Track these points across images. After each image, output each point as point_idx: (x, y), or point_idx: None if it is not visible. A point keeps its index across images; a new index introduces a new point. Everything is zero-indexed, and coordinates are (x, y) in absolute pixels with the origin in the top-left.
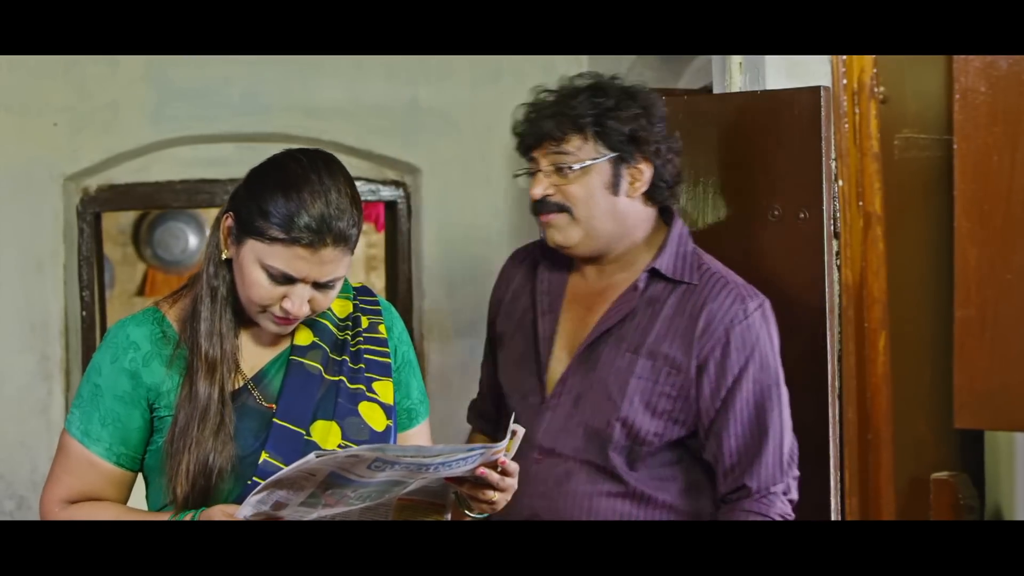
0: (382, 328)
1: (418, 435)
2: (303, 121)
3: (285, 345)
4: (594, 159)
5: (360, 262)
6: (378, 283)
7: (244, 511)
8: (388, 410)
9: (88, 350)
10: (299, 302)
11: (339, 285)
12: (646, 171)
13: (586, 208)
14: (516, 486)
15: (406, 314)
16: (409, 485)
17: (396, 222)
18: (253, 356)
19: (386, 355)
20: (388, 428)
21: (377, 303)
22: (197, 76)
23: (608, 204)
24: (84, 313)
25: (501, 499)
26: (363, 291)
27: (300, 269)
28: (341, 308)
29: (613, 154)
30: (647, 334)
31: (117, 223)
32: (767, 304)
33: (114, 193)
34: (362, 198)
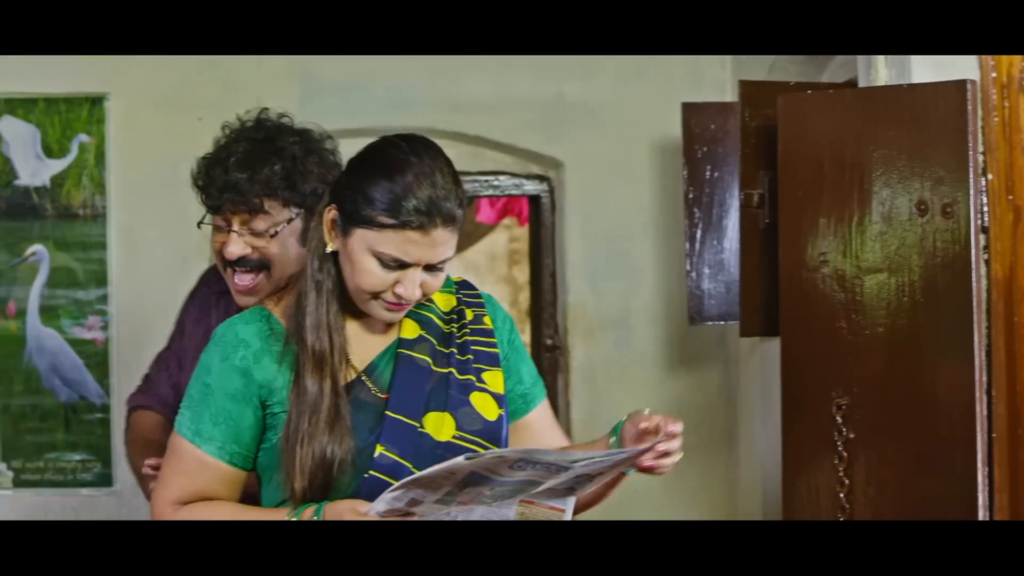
0: (487, 320)
1: (539, 417)
2: (447, 116)
3: (392, 338)
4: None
5: (503, 256)
6: (521, 277)
7: (378, 507)
8: (499, 399)
9: None
10: (412, 286)
11: (448, 267)
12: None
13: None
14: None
15: (550, 308)
16: (540, 486)
17: (540, 216)
18: (362, 350)
19: (493, 345)
20: (500, 417)
21: (479, 295)
22: (341, 71)
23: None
24: None
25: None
26: (464, 285)
27: (412, 253)
28: (445, 302)
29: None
30: None
31: None
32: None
33: None
34: (506, 192)
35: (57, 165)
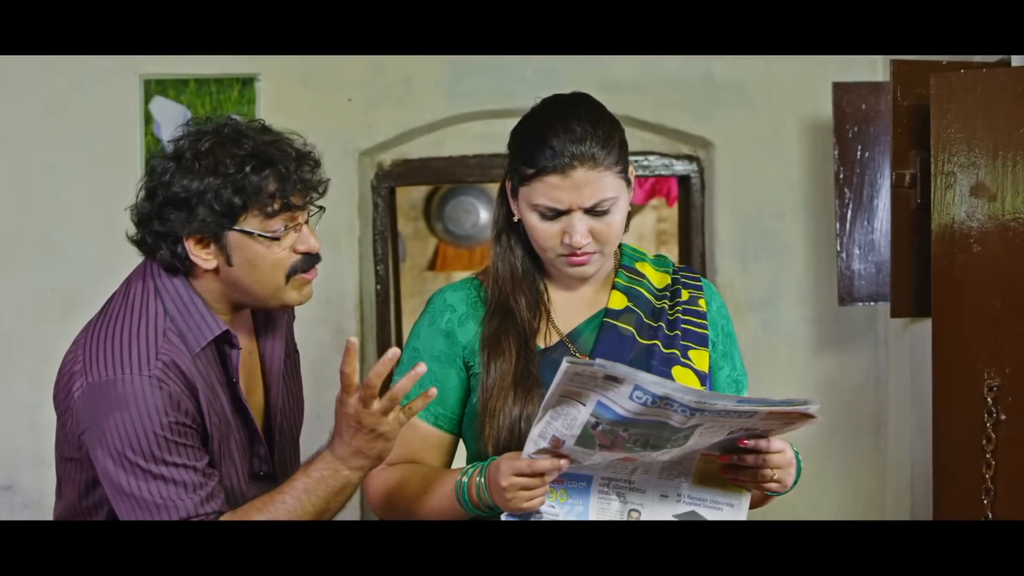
0: (702, 302)
1: None
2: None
3: (599, 307)
4: None
5: (651, 237)
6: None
7: (528, 448)
8: (702, 377)
9: (382, 324)
10: (575, 233)
11: (617, 212)
12: None
13: None
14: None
15: None
16: (682, 434)
17: (689, 196)
18: (568, 316)
19: (703, 327)
20: None
21: (698, 279)
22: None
23: None
24: (379, 287)
25: (781, 475)
26: (685, 268)
27: (559, 198)
28: (659, 279)
29: None
30: None
31: (408, 198)
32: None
33: (408, 168)
34: (655, 173)
35: None
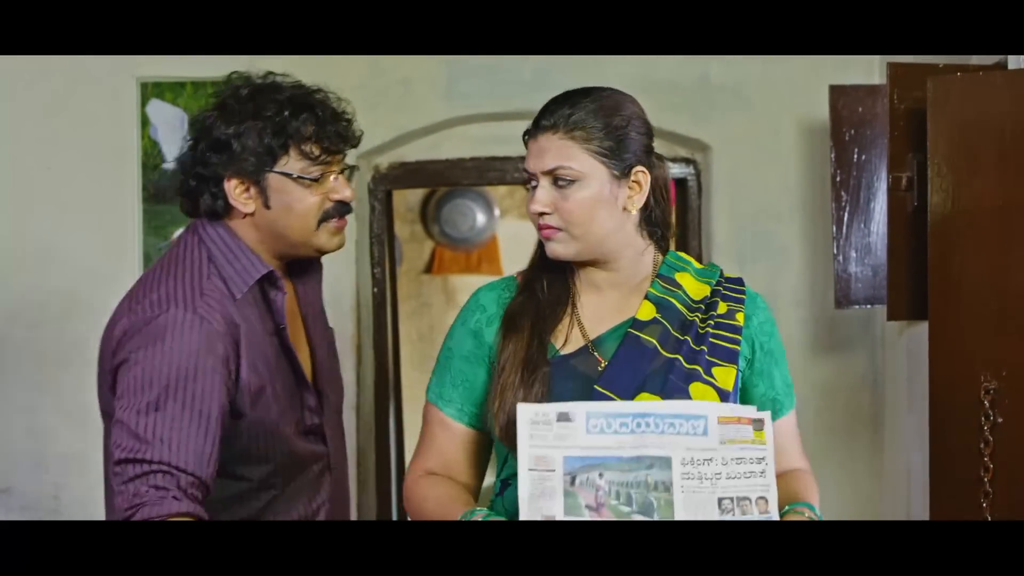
0: (739, 316)
1: (783, 426)
2: None
3: (627, 316)
4: None
5: None
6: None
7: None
8: (724, 395)
9: (379, 327)
10: (535, 201)
11: (582, 190)
12: None
13: None
14: None
15: None
16: (677, 494)
17: (686, 199)
18: (596, 321)
19: (735, 342)
20: None
21: (743, 292)
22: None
23: None
24: (375, 290)
25: None
26: (733, 280)
27: (528, 163)
28: (697, 290)
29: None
30: None
31: (405, 201)
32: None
33: (405, 171)
34: None
35: None
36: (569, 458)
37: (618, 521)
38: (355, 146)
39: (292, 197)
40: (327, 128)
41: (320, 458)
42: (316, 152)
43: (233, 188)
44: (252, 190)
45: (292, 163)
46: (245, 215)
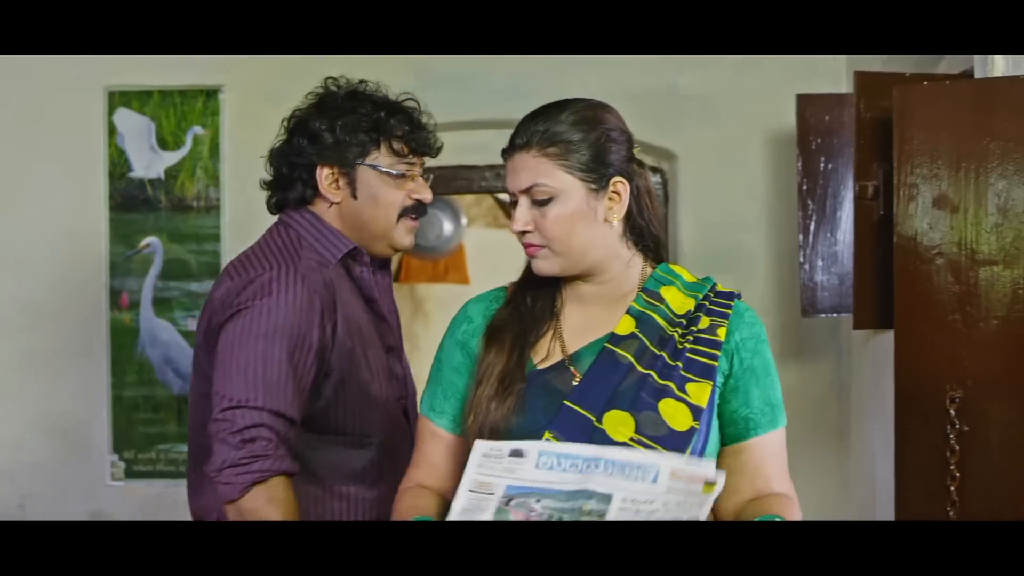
0: (721, 331)
1: (757, 446)
2: None
3: (608, 330)
4: None
5: None
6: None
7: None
8: (697, 411)
9: None
10: (516, 220)
11: (559, 206)
12: None
13: None
14: None
15: None
16: (611, 498)
17: None
18: (578, 338)
19: (713, 357)
20: (692, 430)
21: (730, 307)
22: (457, 63)
23: None
24: None
25: None
26: (724, 295)
27: (507, 183)
28: (681, 304)
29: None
30: None
31: None
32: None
33: None
34: None
35: (171, 157)
36: (511, 486)
37: (590, 521)
38: (435, 155)
39: (378, 190)
40: (417, 132)
41: (404, 431)
42: (405, 151)
43: (324, 177)
44: (341, 180)
45: (382, 158)
46: (332, 204)
